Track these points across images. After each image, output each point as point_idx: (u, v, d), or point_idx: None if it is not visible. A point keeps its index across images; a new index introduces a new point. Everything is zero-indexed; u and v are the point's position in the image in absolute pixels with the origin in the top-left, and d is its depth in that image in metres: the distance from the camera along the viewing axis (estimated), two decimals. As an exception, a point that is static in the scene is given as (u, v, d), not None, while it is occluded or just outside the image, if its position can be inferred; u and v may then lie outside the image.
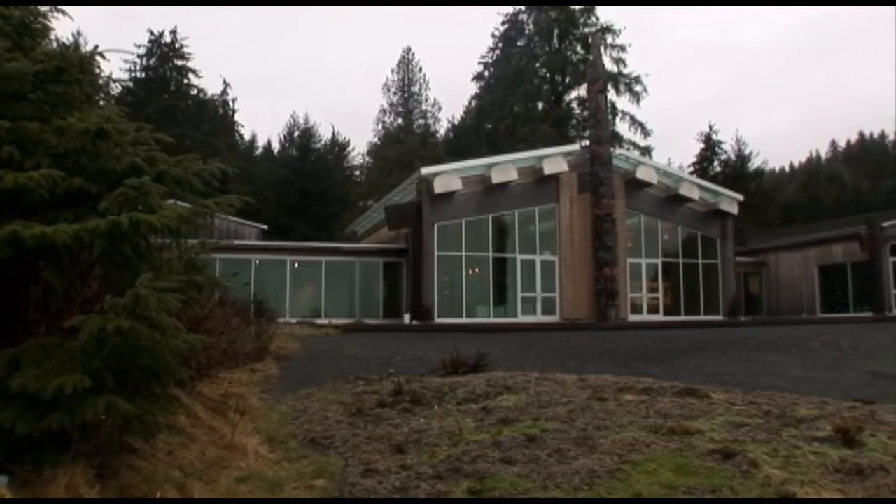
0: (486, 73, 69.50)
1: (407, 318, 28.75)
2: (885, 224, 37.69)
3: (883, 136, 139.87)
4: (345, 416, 7.73)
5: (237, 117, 65.64)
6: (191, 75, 60.93)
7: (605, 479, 4.80)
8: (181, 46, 60.38)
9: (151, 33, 59.64)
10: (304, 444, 6.59)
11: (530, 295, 30.73)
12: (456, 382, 9.34)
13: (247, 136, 68.56)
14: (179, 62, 60.65)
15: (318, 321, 26.03)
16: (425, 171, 29.70)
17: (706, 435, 5.98)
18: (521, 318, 29.71)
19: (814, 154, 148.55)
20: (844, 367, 14.25)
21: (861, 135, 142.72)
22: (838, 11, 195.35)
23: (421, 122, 73.51)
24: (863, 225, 38.23)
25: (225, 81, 62.32)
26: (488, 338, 19.43)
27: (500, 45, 68.81)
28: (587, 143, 32.62)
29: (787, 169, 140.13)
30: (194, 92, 60.81)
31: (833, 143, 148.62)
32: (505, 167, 30.19)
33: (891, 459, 5.22)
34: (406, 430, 6.77)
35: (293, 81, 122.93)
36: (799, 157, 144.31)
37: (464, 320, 28.37)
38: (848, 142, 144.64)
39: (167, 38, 60.21)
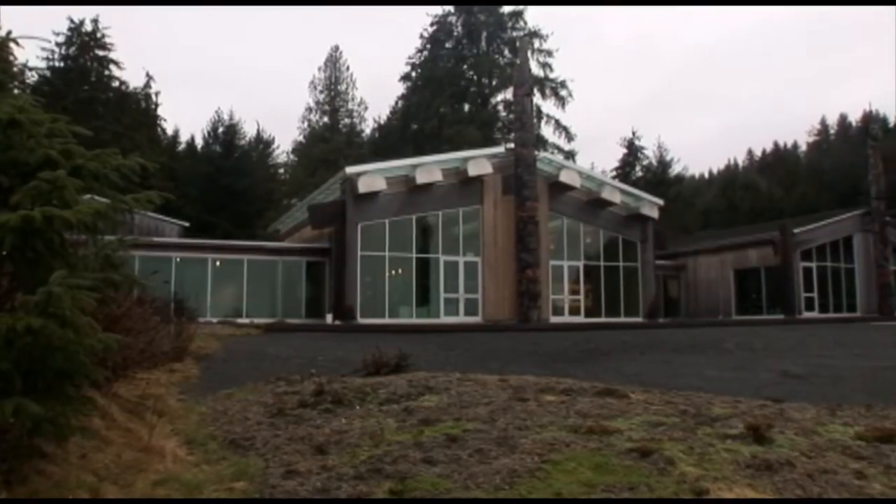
0: (414, 74, 69.44)
1: (329, 318, 28.56)
2: (796, 230, 39.11)
3: (796, 146, 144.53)
4: (265, 417, 7.63)
5: (160, 111, 63.96)
6: (112, 67, 58.97)
7: (525, 479, 4.84)
8: (103, 36, 58.40)
9: (72, 21, 57.63)
10: (223, 446, 6.48)
11: (453, 296, 30.85)
12: (378, 383, 9.31)
13: (170, 131, 66.78)
14: (101, 52, 58.69)
15: (240, 321, 25.63)
16: (350, 170, 29.55)
17: (624, 434, 6.09)
18: (444, 319, 29.80)
19: (731, 162, 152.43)
20: (757, 368, 14.67)
21: (776, 145, 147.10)
22: (760, 27, 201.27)
23: (347, 121, 73.01)
24: (776, 231, 39.57)
25: (148, 74, 60.48)
26: (411, 338, 19.41)
27: (428, 46, 68.82)
28: (512, 145, 32.88)
29: (706, 176, 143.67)
30: (116, 84, 58.94)
31: (750, 152, 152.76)
32: (430, 168, 30.24)
33: (797, 455, 5.40)
34: (327, 430, 6.72)
35: (218, 76, 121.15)
36: (717, 165, 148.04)
37: (386, 321, 28.31)
38: (763, 151, 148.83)
39: (88, 27, 58.30)
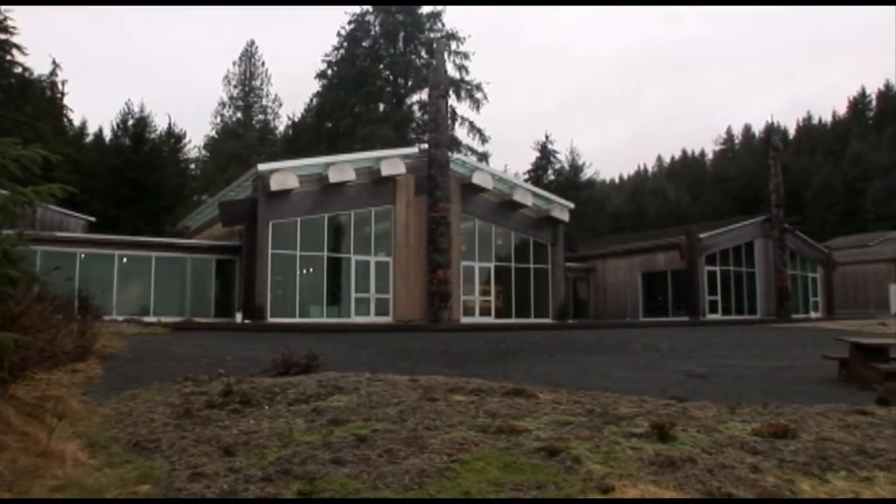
0: (330, 72, 68.96)
1: (239, 317, 28.09)
2: (702, 235, 40.30)
3: (703, 154, 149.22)
4: (172, 419, 7.48)
5: (66, 101, 61.72)
6: (15, 51, 56.65)
7: (434, 478, 4.87)
8: (5, 19, 56.03)
9: (-33, 1, 55.17)
10: (127, 449, 6.32)
11: (364, 296, 30.73)
12: (287, 383, 9.23)
13: (76, 122, 64.57)
14: (2, 36, 56.40)
15: (147, 319, 24.93)
16: (262, 167, 29.14)
17: (533, 433, 6.18)
18: (355, 319, 29.67)
19: (641, 168, 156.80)
20: (662, 368, 15.08)
21: (684, 152, 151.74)
22: (671, 38, 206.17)
23: (261, 117, 72.09)
24: (683, 236, 40.64)
25: (54, 62, 58.22)
26: (321, 338, 19.31)
27: (345, 44, 68.47)
28: (426, 146, 32.94)
29: (616, 180, 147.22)
30: (18, 70, 56.69)
31: (659, 159, 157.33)
32: (343, 167, 30.06)
33: (699, 451, 5.59)
34: (235, 431, 6.63)
35: (129, 68, 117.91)
36: (627, 170, 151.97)
37: (297, 320, 28.04)
38: (672, 158, 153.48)
39: (-13, 9, 55.82)
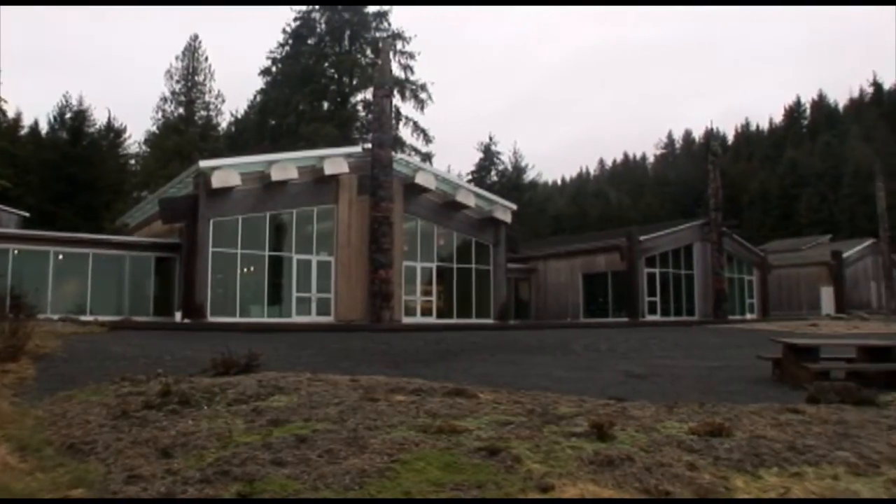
0: (274, 69, 68.28)
1: (178, 316, 27.71)
2: (642, 238, 40.93)
3: (644, 158, 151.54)
4: (108, 420, 7.33)
5: (0, 92, 60.09)
6: (-59, 39, 55.12)
7: (375, 479, 4.86)
8: (-68, 8, 54.54)
9: None
10: (61, 452, 6.17)
11: (305, 295, 30.54)
12: (227, 383, 9.11)
13: (11, 114, 62.88)
14: (-70, 23, 54.66)
15: (84, 318, 24.38)
16: (203, 164, 28.78)
17: (473, 433, 6.20)
18: (296, 319, 29.47)
19: (583, 170, 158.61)
20: (602, 368, 15.27)
21: (626, 155, 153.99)
22: (614, 44, 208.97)
23: (203, 113, 70.93)
24: (623, 238, 41.19)
25: (-15, 50, 56.82)
26: (262, 338, 19.14)
27: (290, 41, 67.86)
28: (369, 146, 32.85)
29: (558, 182, 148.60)
30: (-54, 58, 55.08)
31: (601, 162, 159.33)
32: (285, 165, 29.82)
33: (637, 450, 5.67)
34: (173, 432, 6.52)
35: (68, 59, 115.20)
36: (570, 173, 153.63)
37: (237, 319, 27.74)
38: (614, 161, 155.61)
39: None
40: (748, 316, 45.86)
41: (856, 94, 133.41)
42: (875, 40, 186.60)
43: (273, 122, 65.82)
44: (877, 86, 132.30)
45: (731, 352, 19.91)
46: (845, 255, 55.85)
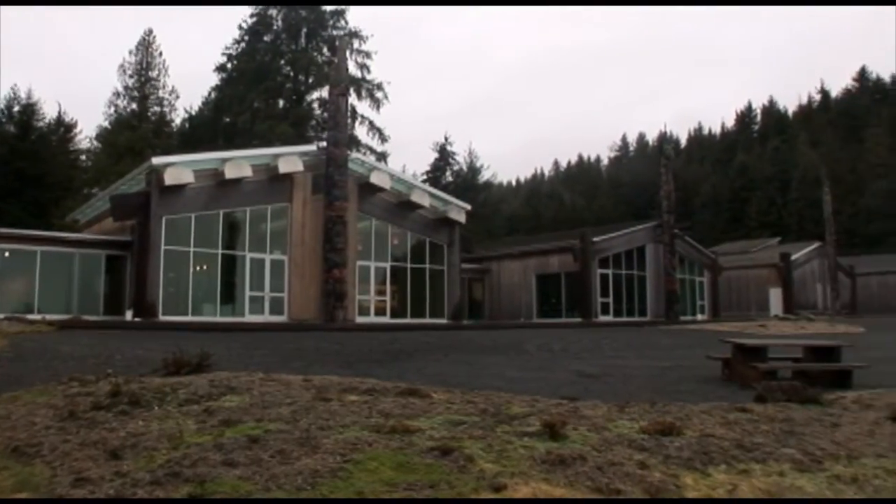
0: (230, 66, 67.59)
1: (129, 314, 27.29)
2: (595, 239, 41.28)
3: (598, 159, 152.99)
4: (55, 421, 7.18)
5: (-55, 84, 58.89)
6: None
7: (327, 479, 4.84)
8: None
9: None
10: (4, 455, 6.02)
11: (259, 294, 30.29)
12: (178, 383, 8.99)
13: (-46, 106, 61.52)
14: None
15: (31, 317, 23.85)
16: (156, 161, 28.39)
17: (426, 433, 6.19)
18: (249, 318, 29.23)
19: (538, 172, 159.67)
20: (555, 368, 15.38)
21: (580, 157, 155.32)
22: (572, 47, 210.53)
23: (156, 109, 69.82)
24: (577, 239, 41.51)
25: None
26: (214, 337, 18.97)
27: (246, 38, 67.23)
28: (324, 144, 32.70)
29: (513, 183, 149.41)
30: None
31: (556, 163, 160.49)
32: (239, 163, 29.56)
33: (589, 449, 5.72)
34: (123, 433, 6.42)
35: (15, 51, 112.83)
36: (525, 174, 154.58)
37: (189, 318, 27.38)
38: (569, 162, 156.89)
39: None
40: (699, 317, 46.52)
41: (804, 101, 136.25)
42: (823, 49, 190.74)
43: (227, 120, 65.18)
44: (824, 93, 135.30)
45: (681, 352, 20.17)
46: (793, 257, 56.97)
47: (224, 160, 29.63)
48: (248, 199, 30.25)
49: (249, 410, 7.31)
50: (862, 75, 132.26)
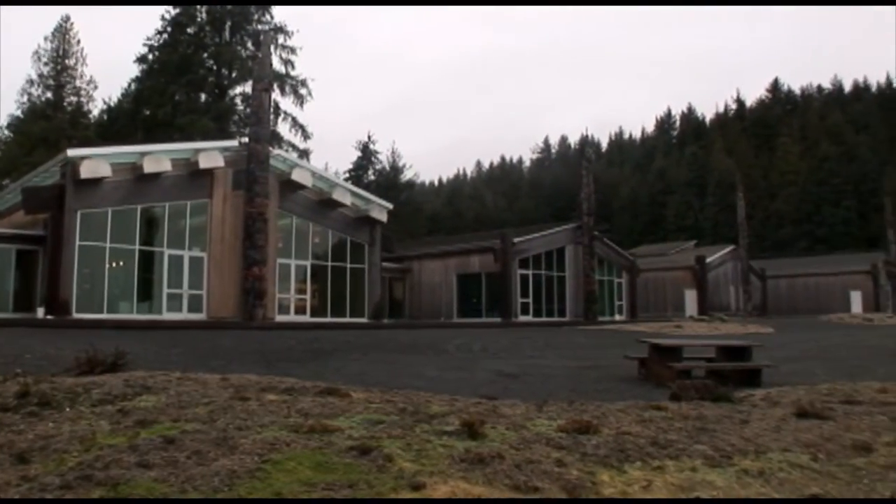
0: (151, 57, 65.86)
1: (41, 311, 26.43)
2: (516, 240, 41.67)
3: (520, 161, 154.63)
4: (-43, 423, 6.94)
5: None
6: None
7: (245, 480, 4.78)
8: None
9: None
10: None
11: (177, 291, 29.71)
12: (91, 383, 8.77)
13: None
14: None
15: (-67, 314, 23.04)
16: (72, 152, 27.54)
17: (345, 433, 6.17)
18: (167, 316, 28.65)
19: (461, 172, 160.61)
20: (474, 368, 15.49)
21: (503, 158, 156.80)
22: (500, 48, 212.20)
23: (73, 99, 67.79)
24: (498, 240, 41.81)
25: None
26: (130, 335, 18.58)
27: (168, 29, 65.66)
28: (246, 140, 32.29)
29: (435, 183, 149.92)
30: None
31: (478, 164, 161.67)
32: (159, 157, 28.94)
33: (507, 448, 5.77)
34: (31, 436, 6.21)
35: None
36: (447, 174, 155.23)
37: (105, 316, 26.70)
38: (491, 163, 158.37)
39: None
40: (617, 317, 47.40)
41: (721, 109, 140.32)
42: (740, 60, 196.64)
43: (147, 112, 63.58)
44: (740, 102, 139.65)
45: (599, 352, 20.50)
46: (708, 260, 58.57)
47: (143, 154, 28.96)
48: (167, 195, 29.63)
49: (166, 410, 7.17)
50: (775, 87, 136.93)
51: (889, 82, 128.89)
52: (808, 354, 19.75)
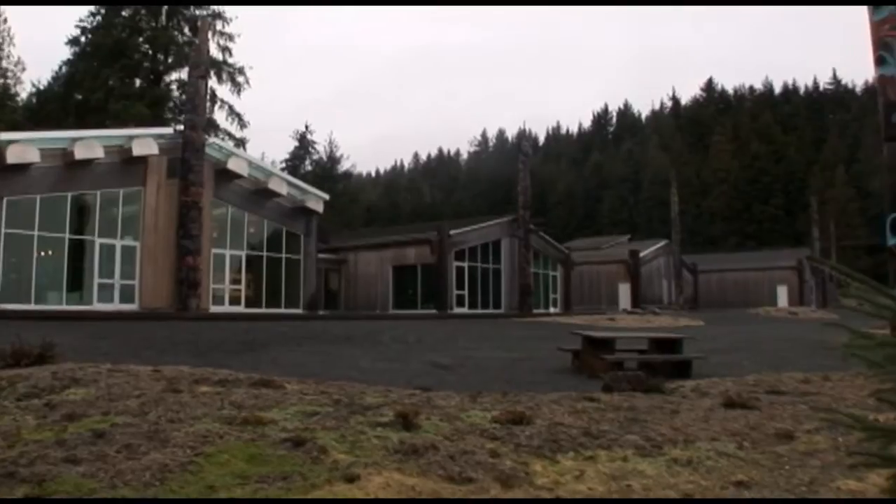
0: (83, 39, 63.94)
1: (-38, 302, 25.68)
2: (452, 232, 41.75)
3: (458, 154, 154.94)
4: None
5: None
6: None
7: (177, 473, 4.73)
8: None
9: None
10: None
11: (109, 281, 29.08)
12: (17, 376, 8.56)
13: None
14: None
15: None
16: (-2, 137, 26.79)
17: (279, 424, 6.16)
18: (98, 306, 28.01)
19: (398, 163, 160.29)
20: (409, 359, 15.56)
21: (440, 151, 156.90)
22: (441, 43, 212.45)
23: (-1, 81, 65.66)
24: (434, 232, 41.85)
25: None
26: (59, 326, 18.13)
27: (102, 10, 63.85)
28: (181, 127, 31.74)
29: (373, 174, 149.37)
30: None
31: (416, 156, 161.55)
32: (90, 143, 28.23)
33: (441, 439, 5.83)
34: (-48, 431, 6.06)
35: None
36: (385, 165, 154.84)
37: (33, 307, 26.00)
38: (429, 156, 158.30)
39: None
40: (552, 310, 47.89)
41: (657, 106, 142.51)
42: (676, 58, 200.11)
43: (79, 97, 61.76)
44: (675, 100, 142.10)
45: (534, 344, 20.70)
46: (642, 254, 59.55)
47: (74, 139, 28.20)
48: (99, 182, 28.93)
49: (95, 403, 7.05)
50: (709, 86, 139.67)
51: (816, 86, 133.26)
52: (736, 347, 20.23)
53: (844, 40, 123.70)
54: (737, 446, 6.19)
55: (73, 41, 64.02)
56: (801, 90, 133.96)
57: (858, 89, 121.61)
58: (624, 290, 57.52)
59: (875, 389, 3.49)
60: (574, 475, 5.16)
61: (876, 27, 11.60)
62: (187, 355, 13.90)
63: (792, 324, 34.25)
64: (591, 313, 42.10)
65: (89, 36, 63.62)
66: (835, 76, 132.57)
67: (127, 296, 29.29)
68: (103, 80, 60.30)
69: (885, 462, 3.11)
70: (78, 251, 28.73)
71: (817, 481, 5.15)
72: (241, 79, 63.42)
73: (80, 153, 27.66)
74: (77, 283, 28.77)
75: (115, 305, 28.59)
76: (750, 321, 37.48)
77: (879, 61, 11.45)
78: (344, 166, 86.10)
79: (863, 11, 12.20)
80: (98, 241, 28.99)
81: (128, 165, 29.55)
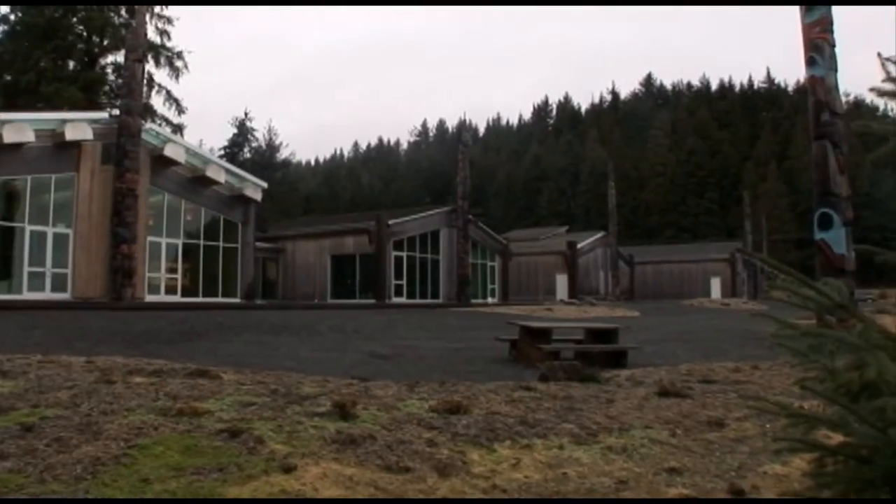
0: (13, 17, 62.02)
1: None
2: (391, 222, 41.76)
3: (398, 143, 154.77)
4: None
5: None
6: None
7: (110, 466, 4.66)
8: None
9: None
10: None
11: (39, 270, 28.38)
12: (-60, 366, 8.36)
13: None
14: None
15: None
16: (-81, 119, 25.93)
17: (215, 415, 6.10)
18: (28, 295, 27.31)
19: (338, 152, 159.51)
20: (347, 349, 15.55)
21: (380, 140, 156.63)
22: (383, 33, 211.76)
23: (-77, 59, 63.32)
24: (373, 221, 41.78)
25: None
26: (-14, 315, 17.73)
27: (34, -12, 62.00)
28: (117, 112, 31.06)
29: (312, 163, 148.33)
30: None
31: (356, 145, 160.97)
32: (20, 126, 27.46)
33: (379, 429, 5.84)
34: None
35: None
36: (324, 154, 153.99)
37: (-43, 294, 25.35)
38: (368, 145, 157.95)
39: None
40: (490, 300, 48.19)
41: (597, 100, 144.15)
42: (617, 53, 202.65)
43: (9, 78, 59.95)
44: (614, 94, 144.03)
45: (472, 333, 20.83)
46: (579, 245, 60.27)
47: (3, 122, 27.34)
48: (29, 167, 28.17)
49: (24, 396, 6.89)
50: (648, 81, 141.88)
51: (751, 83, 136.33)
52: (670, 337, 20.62)
53: (779, 40, 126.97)
54: (670, 434, 6.32)
55: (2, 19, 62.01)
56: (737, 87, 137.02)
57: (791, 88, 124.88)
58: (561, 281, 58.13)
59: (800, 378, 3.61)
60: (511, 464, 5.22)
61: (807, 29, 11.93)
62: (121, 345, 13.69)
63: (724, 315, 34.99)
64: (528, 304, 42.51)
65: (19, 14, 61.70)
66: (769, 75, 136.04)
67: (59, 285, 28.64)
68: (35, 61, 58.56)
69: (807, 447, 3.24)
70: (7, 239, 27.96)
71: (745, 466, 5.30)
72: (179, 63, 62.18)
73: (9, 136, 26.88)
74: (6, 271, 28.03)
75: (47, 295, 27.93)
76: (684, 312, 38.20)
77: (810, 62, 11.78)
78: (283, 154, 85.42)
79: (796, 12, 12.55)
80: (29, 227, 28.26)
81: (60, 150, 28.84)
